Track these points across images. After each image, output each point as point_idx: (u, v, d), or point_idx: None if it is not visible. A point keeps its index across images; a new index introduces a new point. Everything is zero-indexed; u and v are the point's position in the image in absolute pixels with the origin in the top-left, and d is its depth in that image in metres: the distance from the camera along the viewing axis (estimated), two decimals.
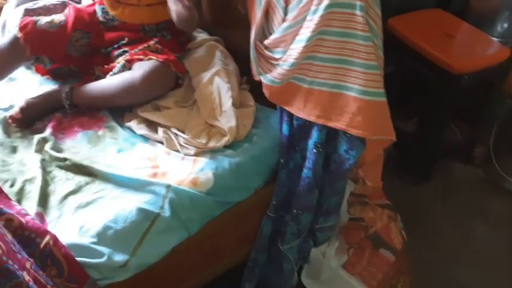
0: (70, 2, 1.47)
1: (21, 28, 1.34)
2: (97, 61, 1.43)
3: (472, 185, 1.99)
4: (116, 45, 1.43)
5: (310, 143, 1.19)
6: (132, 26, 1.43)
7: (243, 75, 1.45)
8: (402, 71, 1.93)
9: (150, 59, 1.27)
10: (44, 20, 1.37)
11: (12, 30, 1.37)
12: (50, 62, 1.39)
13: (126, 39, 1.43)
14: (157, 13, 1.41)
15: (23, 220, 0.94)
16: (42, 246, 0.94)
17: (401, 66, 1.92)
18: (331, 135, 1.16)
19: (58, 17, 1.40)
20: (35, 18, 1.36)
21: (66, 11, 1.46)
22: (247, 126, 1.31)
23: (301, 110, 1.17)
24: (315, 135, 1.17)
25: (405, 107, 1.91)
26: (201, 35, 1.56)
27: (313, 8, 1.06)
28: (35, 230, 0.95)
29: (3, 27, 1.51)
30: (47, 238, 0.96)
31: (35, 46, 1.34)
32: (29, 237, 0.94)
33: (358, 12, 1.02)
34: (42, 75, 1.42)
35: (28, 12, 1.44)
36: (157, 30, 1.44)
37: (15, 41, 1.33)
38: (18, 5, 1.53)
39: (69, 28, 1.39)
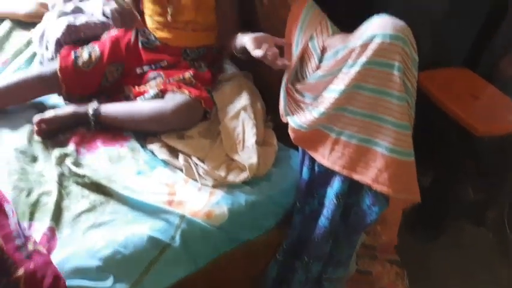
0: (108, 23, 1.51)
1: (61, 64, 1.38)
2: (129, 80, 1.44)
3: (482, 247, 1.96)
4: (153, 66, 1.44)
5: (331, 192, 1.18)
6: (174, 49, 1.45)
7: (268, 112, 1.45)
8: (423, 123, 1.92)
9: (183, 93, 1.29)
10: (81, 59, 1.40)
11: (54, 64, 1.41)
12: (83, 97, 1.41)
13: (165, 62, 1.44)
14: (200, 38, 1.45)
15: (4, 245, 0.91)
16: (13, 277, 0.91)
17: (423, 119, 1.91)
18: (353, 188, 1.15)
19: (95, 53, 1.43)
20: (74, 54, 1.40)
21: (105, 35, 1.49)
22: (268, 165, 1.30)
23: (325, 158, 1.16)
24: (336, 185, 1.16)
25: (422, 160, 1.90)
26: (231, 68, 1.57)
27: (350, 62, 1.07)
28: (14, 258, 0.92)
29: (42, 36, 1.53)
30: (21, 272, 0.91)
31: (69, 86, 1.38)
32: (6, 262, 0.91)
33: (395, 72, 1.02)
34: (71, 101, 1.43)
35: (70, 29, 1.46)
36: (197, 54, 1.46)
37: (54, 75, 1.37)
38: (59, 15, 1.56)
39: (104, 64, 1.42)
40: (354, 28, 1.11)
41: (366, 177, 1.09)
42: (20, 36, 1.67)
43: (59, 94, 1.41)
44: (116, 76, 1.45)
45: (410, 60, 1.03)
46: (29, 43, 1.62)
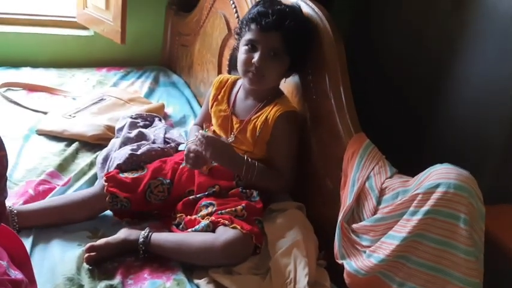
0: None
1: (107, 177, 1.45)
2: (180, 207, 1.45)
3: None
4: (206, 193, 1.45)
5: None
6: (227, 171, 1.48)
7: (321, 247, 1.39)
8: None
9: (235, 227, 1.27)
10: (127, 171, 1.48)
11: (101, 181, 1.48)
12: (128, 203, 1.42)
13: (217, 187, 1.46)
14: None
15: None
16: None
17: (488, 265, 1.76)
18: None
19: (141, 168, 1.51)
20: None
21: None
22: None
23: None
24: None
25: None
26: (284, 197, 1.56)
27: (412, 208, 1.03)
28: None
29: (105, 161, 1.61)
30: None
31: (113, 186, 1.42)
32: None
33: (461, 225, 0.96)
34: (121, 219, 1.45)
35: (132, 157, 1.54)
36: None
37: (101, 189, 1.43)
38: (124, 141, 1.65)
39: (147, 176, 1.46)
40: None
41: None
42: (85, 157, 1.76)
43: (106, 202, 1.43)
44: (161, 190, 1.46)
45: (476, 212, 0.98)
46: (92, 164, 1.70)
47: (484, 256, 1.00)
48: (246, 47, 1.42)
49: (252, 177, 1.41)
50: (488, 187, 1.17)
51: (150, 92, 2.38)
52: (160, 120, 1.95)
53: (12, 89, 2.17)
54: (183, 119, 2.15)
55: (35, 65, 2.42)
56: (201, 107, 2.26)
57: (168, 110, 2.20)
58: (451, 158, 1.07)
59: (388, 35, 2.35)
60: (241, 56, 1.44)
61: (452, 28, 1.90)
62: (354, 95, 1.37)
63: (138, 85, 2.43)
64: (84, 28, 2.60)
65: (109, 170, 1.58)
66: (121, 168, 1.52)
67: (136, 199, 1.44)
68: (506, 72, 1.63)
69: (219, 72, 2.06)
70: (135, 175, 1.47)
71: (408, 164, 1.19)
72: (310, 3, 1.49)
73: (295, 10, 1.45)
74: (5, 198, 0.99)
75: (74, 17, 2.60)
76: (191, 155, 1.43)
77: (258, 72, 1.40)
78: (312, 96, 1.49)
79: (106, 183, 1.42)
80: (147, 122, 1.92)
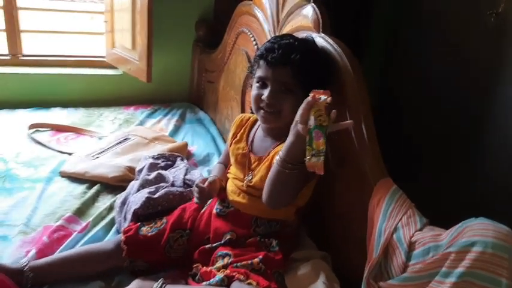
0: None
1: (125, 232, 1.40)
2: (197, 255, 1.38)
3: None
4: (222, 241, 1.37)
5: None
6: (246, 217, 1.40)
7: None
8: None
9: (251, 283, 1.18)
10: (146, 226, 1.43)
11: (118, 236, 1.44)
12: (146, 266, 1.38)
13: (234, 234, 1.38)
14: (274, 211, 1.36)
15: None
16: None
17: None
18: None
19: (161, 221, 1.45)
20: (140, 225, 1.43)
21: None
22: None
23: None
24: None
25: None
26: (308, 244, 1.45)
27: (444, 269, 0.90)
28: None
29: (123, 204, 1.57)
30: None
31: (131, 250, 1.37)
32: None
33: None
34: (137, 276, 1.39)
35: (148, 201, 1.49)
36: (269, 228, 1.38)
37: (117, 245, 1.38)
38: (142, 183, 1.61)
39: (167, 230, 1.41)
40: None
41: None
42: (105, 200, 1.73)
43: (122, 262, 1.38)
44: (180, 243, 1.41)
45: None
46: (111, 208, 1.67)
47: None
48: (257, 84, 1.36)
49: None
50: None
51: (176, 130, 2.36)
52: (182, 159, 1.91)
53: (40, 130, 2.20)
54: (206, 157, 2.10)
55: (64, 104, 2.46)
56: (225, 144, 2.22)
57: (192, 148, 2.16)
58: (487, 209, 0.94)
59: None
60: (253, 92, 1.38)
61: None
62: (378, 136, 1.27)
63: (164, 123, 2.42)
64: (113, 67, 2.64)
65: (126, 215, 1.53)
66: (138, 213, 1.48)
67: (156, 259, 1.39)
68: None
69: (242, 109, 2.01)
70: (154, 231, 1.41)
71: (440, 209, 1.07)
72: (328, 38, 1.40)
73: (306, 42, 1.37)
74: None
75: (103, 57, 2.64)
76: (197, 194, 1.41)
77: (270, 109, 1.34)
78: (334, 137, 1.39)
79: (125, 246, 1.37)
80: (169, 162, 1.88)
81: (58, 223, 1.54)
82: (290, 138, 1.18)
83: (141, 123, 2.40)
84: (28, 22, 2.76)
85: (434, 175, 2.24)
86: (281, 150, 1.22)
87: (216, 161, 2.05)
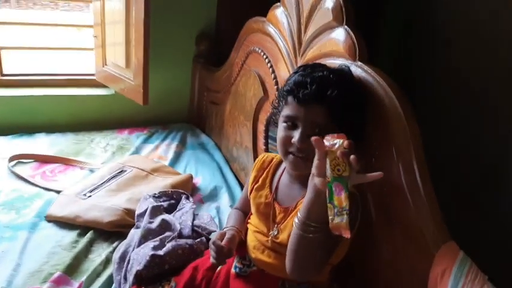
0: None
1: None
2: None
3: None
4: None
5: None
6: (271, 278, 1.17)
7: None
8: None
9: None
10: None
11: None
12: None
13: None
14: None
15: None
16: None
17: None
18: None
19: (169, 283, 1.24)
20: None
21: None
22: None
23: None
24: None
25: None
26: None
27: None
28: None
29: (122, 260, 1.34)
30: None
31: None
32: None
33: None
34: None
35: (154, 260, 1.26)
36: None
37: None
38: (144, 234, 1.38)
39: None
40: None
41: None
42: (99, 250, 1.48)
43: None
44: None
45: None
46: (108, 262, 1.43)
47: None
48: (285, 124, 1.12)
49: None
50: None
51: (177, 157, 2.13)
52: (187, 197, 1.67)
53: (23, 161, 1.95)
54: (214, 191, 1.87)
55: (50, 130, 2.21)
56: (234, 174, 1.99)
57: (197, 180, 1.93)
58: None
59: None
60: (279, 134, 1.15)
61: None
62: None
63: (163, 149, 2.19)
64: (104, 86, 2.39)
65: (127, 274, 1.30)
66: (141, 275, 1.24)
67: None
68: None
69: (254, 137, 1.79)
70: None
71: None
72: (367, 68, 1.17)
73: (343, 74, 1.15)
74: None
75: (92, 75, 2.40)
76: (214, 254, 1.16)
77: (301, 154, 1.10)
78: (382, 189, 1.16)
79: None
80: (173, 201, 1.65)
81: (45, 286, 1.30)
82: (308, 195, 0.95)
83: (137, 150, 2.16)
84: (8, 38, 2.49)
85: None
86: (299, 210, 1.00)
87: (224, 196, 1.83)
